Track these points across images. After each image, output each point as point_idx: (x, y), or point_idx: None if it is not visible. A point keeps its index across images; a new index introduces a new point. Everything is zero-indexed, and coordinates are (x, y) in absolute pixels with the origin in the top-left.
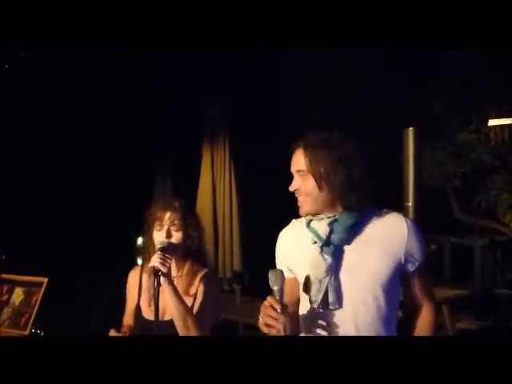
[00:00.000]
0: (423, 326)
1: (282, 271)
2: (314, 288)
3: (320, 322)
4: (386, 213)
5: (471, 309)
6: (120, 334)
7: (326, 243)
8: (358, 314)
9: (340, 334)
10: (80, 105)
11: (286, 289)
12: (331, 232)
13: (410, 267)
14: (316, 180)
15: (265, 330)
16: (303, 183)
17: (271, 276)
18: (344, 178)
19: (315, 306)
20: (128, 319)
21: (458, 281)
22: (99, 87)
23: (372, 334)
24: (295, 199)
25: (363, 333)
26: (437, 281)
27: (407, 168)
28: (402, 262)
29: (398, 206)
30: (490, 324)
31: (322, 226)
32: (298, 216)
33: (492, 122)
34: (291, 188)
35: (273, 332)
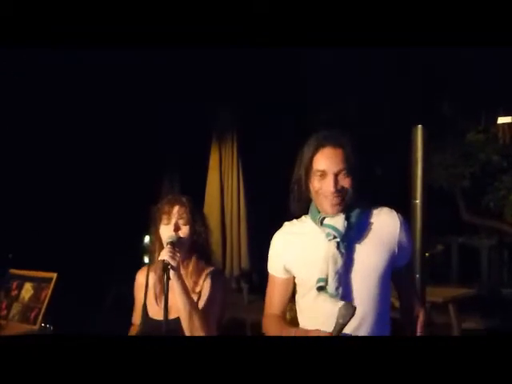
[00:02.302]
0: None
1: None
2: (333, 283)
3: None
4: (381, 208)
5: (478, 309)
6: None
7: (343, 238)
8: (363, 307)
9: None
10: (88, 106)
11: (282, 288)
12: (349, 227)
13: (401, 261)
14: (355, 178)
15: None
16: (343, 182)
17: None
18: (362, 174)
19: (336, 299)
20: (136, 319)
21: (464, 281)
22: (107, 87)
23: (371, 326)
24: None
25: (365, 325)
26: (443, 280)
27: (415, 165)
28: (396, 254)
29: (406, 204)
30: (496, 324)
31: (338, 221)
32: (290, 218)
33: (501, 120)
34: (335, 187)
35: None
